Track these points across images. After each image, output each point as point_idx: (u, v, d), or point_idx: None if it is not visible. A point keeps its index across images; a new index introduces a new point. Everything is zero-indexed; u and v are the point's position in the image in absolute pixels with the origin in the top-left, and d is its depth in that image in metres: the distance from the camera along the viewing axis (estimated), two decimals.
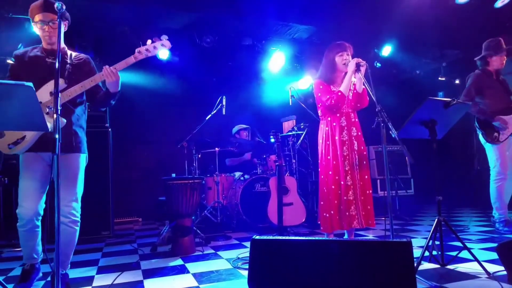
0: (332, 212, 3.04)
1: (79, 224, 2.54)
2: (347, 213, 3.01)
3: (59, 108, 1.82)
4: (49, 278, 2.66)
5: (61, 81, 2.35)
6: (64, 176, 2.38)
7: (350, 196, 3.03)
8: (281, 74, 6.69)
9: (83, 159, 2.60)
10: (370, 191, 3.11)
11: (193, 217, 3.83)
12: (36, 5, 2.42)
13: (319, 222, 3.18)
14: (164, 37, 2.48)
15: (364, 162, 3.12)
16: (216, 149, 5.16)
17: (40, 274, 2.64)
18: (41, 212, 2.46)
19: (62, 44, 2.53)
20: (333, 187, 3.05)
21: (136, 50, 2.46)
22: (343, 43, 3.19)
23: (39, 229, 2.51)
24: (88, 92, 2.54)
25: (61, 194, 1.96)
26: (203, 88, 6.76)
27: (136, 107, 6.48)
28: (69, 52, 2.58)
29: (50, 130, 2.02)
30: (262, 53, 6.04)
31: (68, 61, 2.51)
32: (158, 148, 6.71)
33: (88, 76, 2.45)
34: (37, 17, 2.40)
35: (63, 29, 2.48)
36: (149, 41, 2.47)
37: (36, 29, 2.46)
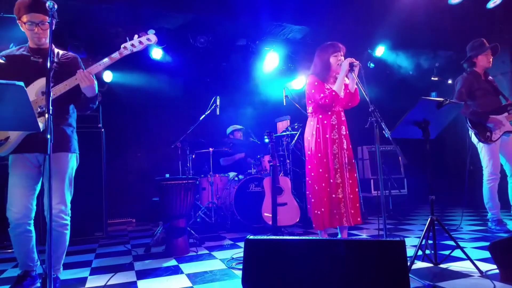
0: (323, 209, 3.08)
1: (68, 227, 2.46)
2: (335, 211, 3.07)
3: (50, 108, 1.79)
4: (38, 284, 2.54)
5: (45, 80, 2.28)
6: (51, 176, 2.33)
7: (339, 194, 3.08)
8: (275, 74, 6.70)
9: (72, 159, 2.50)
10: (358, 189, 3.19)
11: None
12: (24, 3, 2.28)
13: (309, 216, 3.23)
14: (151, 31, 2.44)
15: (353, 161, 3.19)
16: (210, 149, 5.15)
17: (38, 284, 2.49)
18: (31, 216, 2.37)
19: None
20: (323, 184, 3.09)
21: (122, 46, 2.39)
22: (336, 43, 3.20)
23: (32, 235, 2.41)
24: (71, 94, 2.39)
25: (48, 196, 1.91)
26: (197, 88, 6.75)
27: (129, 107, 6.45)
28: (56, 50, 2.50)
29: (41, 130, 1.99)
30: (256, 53, 6.04)
31: (55, 60, 2.43)
32: (152, 148, 6.67)
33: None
34: (25, 17, 2.29)
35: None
36: (135, 36, 2.41)
37: (23, 28, 2.37)
